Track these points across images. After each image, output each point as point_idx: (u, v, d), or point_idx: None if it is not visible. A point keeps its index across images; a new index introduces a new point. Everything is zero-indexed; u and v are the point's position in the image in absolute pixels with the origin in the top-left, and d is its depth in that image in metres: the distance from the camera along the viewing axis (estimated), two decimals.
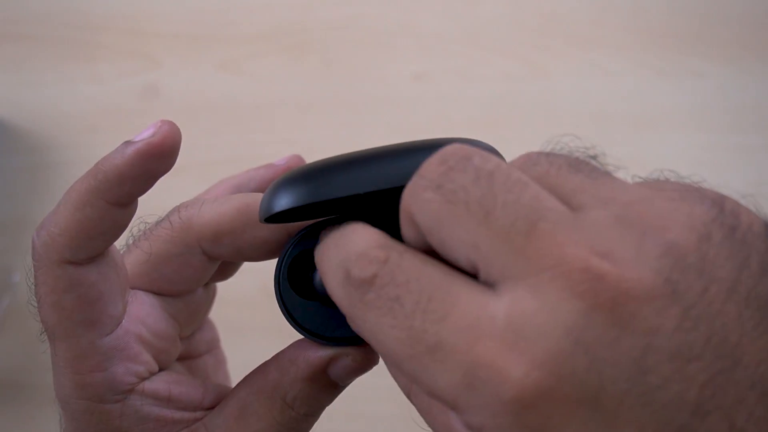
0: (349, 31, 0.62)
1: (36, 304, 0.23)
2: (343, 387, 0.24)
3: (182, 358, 0.30)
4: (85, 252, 0.23)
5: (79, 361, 0.23)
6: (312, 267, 0.23)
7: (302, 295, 0.24)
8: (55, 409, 0.26)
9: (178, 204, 0.26)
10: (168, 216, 0.26)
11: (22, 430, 0.54)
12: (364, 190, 0.21)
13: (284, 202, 0.21)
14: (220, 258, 0.26)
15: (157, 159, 0.22)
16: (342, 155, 0.22)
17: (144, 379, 0.24)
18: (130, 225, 0.25)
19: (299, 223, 0.24)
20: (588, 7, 0.63)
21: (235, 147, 0.60)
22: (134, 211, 0.24)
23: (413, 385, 0.19)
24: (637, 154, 0.60)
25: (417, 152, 0.21)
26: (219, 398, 0.25)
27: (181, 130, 0.23)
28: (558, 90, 0.61)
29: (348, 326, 0.22)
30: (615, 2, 0.63)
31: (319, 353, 0.23)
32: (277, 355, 0.25)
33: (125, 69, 0.61)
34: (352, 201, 0.22)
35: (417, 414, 0.22)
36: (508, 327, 0.16)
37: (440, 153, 0.18)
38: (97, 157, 0.23)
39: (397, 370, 0.19)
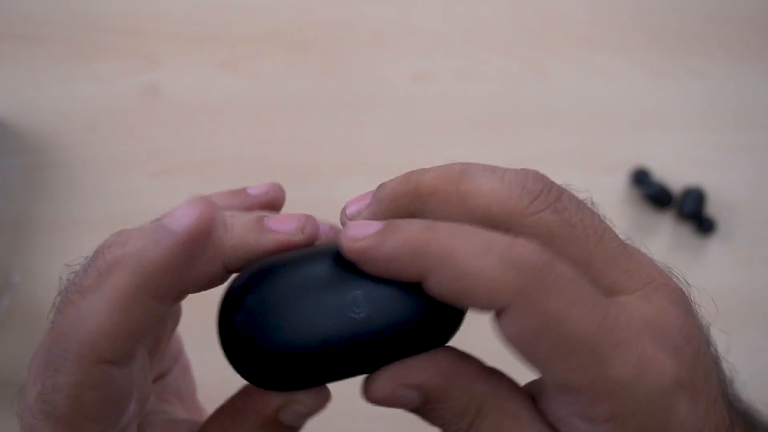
0: (349, 31, 0.62)
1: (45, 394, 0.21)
2: (300, 427, 0.23)
3: (155, 380, 0.29)
4: (127, 353, 0.21)
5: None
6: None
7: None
8: None
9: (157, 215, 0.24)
10: (94, 260, 0.22)
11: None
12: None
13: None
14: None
15: (200, 244, 0.20)
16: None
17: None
18: (59, 273, 0.23)
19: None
20: (588, 7, 0.63)
21: (235, 147, 0.60)
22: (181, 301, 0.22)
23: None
24: (637, 154, 0.60)
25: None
26: None
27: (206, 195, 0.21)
28: (558, 90, 0.61)
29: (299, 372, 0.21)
30: (615, 2, 0.63)
31: (268, 404, 0.22)
32: (228, 402, 0.24)
33: (125, 69, 0.61)
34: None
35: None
36: (647, 326, 0.20)
37: (530, 174, 0.22)
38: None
39: (558, 361, 0.19)
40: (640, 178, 0.58)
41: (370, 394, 0.21)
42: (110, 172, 0.58)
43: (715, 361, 0.23)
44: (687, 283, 0.23)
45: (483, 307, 0.20)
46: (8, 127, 0.60)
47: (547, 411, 0.21)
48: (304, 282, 0.22)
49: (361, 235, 0.21)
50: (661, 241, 0.59)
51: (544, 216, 0.21)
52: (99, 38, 0.62)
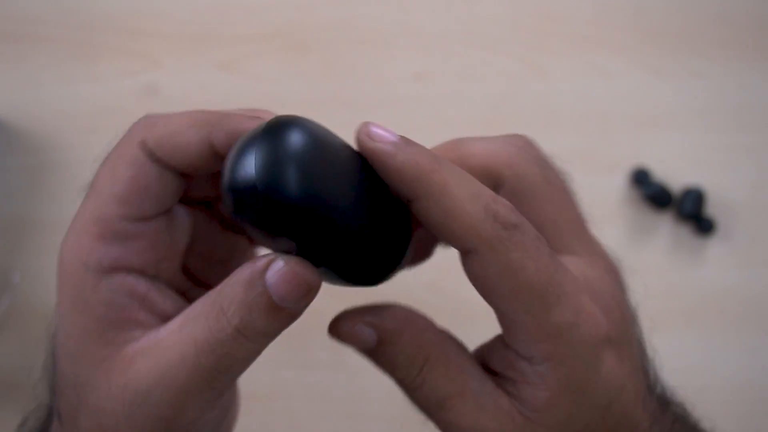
0: (349, 31, 0.62)
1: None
2: (283, 310, 0.23)
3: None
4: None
5: (98, 223, 0.24)
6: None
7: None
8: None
9: None
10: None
11: None
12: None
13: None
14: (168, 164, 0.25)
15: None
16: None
17: (132, 271, 0.24)
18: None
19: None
20: (588, 7, 0.63)
21: None
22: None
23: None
24: (637, 154, 0.60)
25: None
26: None
27: None
28: (558, 90, 0.61)
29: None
30: (615, 2, 0.63)
31: (260, 259, 0.23)
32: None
33: (125, 69, 0.61)
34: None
35: (416, 413, 0.22)
36: (588, 287, 0.24)
37: (517, 135, 0.27)
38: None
39: (511, 301, 0.23)
40: (640, 179, 0.59)
41: (335, 330, 0.25)
42: None
43: (640, 342, 0.26)
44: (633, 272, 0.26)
45: (454, 243, 0.23)
46: (8, 127, 0.60)
47: (495, 359, 0.25)
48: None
49: (379, 138, 0.23)
50: (660, 241, 0.59)
51: (530, 168, 0.26)
52: (99, 38, 0.62)
